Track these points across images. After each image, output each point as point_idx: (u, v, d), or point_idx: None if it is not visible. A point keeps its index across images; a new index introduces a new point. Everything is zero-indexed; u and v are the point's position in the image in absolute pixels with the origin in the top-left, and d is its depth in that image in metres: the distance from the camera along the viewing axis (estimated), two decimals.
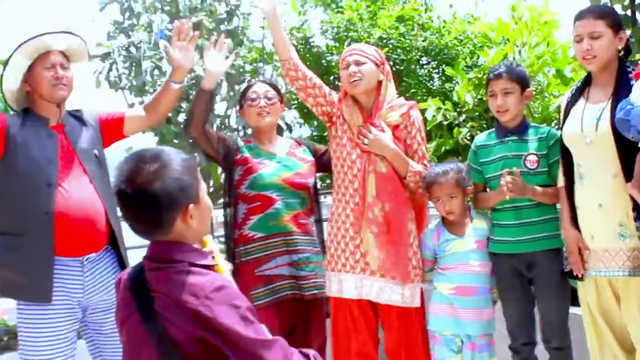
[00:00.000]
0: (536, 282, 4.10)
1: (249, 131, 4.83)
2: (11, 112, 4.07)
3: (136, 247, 4.67)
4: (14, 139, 3.79)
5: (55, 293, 3.76)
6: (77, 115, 4.06)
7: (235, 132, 6.53)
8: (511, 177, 3.91)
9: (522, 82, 4.12)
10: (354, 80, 4.12)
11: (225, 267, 2.84)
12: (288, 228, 4.28)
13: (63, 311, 3.80)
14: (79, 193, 3.82)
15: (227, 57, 4.41)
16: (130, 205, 2.38)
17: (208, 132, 4.39)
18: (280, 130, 6.58)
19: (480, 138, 4.30)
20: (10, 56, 3.88)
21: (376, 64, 4.20)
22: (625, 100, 3.48)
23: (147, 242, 2.52)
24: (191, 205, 2.40)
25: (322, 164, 4.61)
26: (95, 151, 4.01)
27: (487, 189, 4.27)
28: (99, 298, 3.90)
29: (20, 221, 3.78)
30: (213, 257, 2.83)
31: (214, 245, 2.89)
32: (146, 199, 2.33)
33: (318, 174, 5.58)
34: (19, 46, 3.86)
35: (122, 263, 4.02)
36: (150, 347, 2.33)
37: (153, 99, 4.24)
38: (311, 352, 2.44)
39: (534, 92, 4.69)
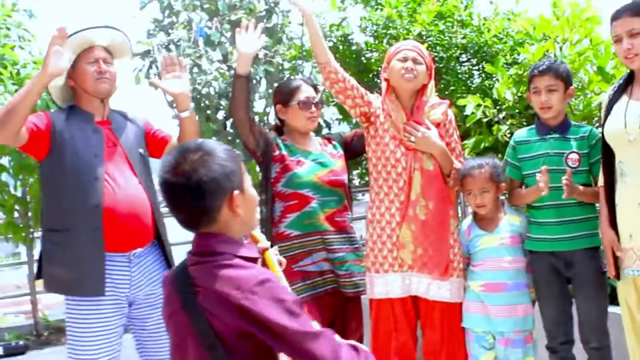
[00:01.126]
0: (575, 281, 4.09)
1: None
2: (53, 109, 4.09)
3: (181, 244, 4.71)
4: (60, 135, 3.85)
5: (105, 288, 3.82)
6: (123, 114, 4.13)
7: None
8: (563, 177, 3.90)
9: (566, 79, 4.11)
10: (409, 76, 4.16)
11: (276, 262, 2.86)
12: (323, 227, 4.31)
13: (111, 306, 3.87)
14: (126, 187, 3.89)
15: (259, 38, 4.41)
16: (175, 194, 2.39)
17: (252, 119, 4.43)
18: (319, 128, 6.57)
19: (521, 134, 4.29)
20: None
21: (427, 67, 4.23)
22: None
23: (189, 239, 2.55)
24: (236, 192, 2.40)
25: (353, 148, 4.64)
26: (141, 150, 4.06)
27: (523, 186, 4.27)
28: (145, 293, 3.97)
29: (68, 217, 3.85)
30: (264, 253, 2.85)
31: (266, 242, 2.91)
32: (191, 186, 2.33)
33: (356, 172, 5.57)
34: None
35: (167, 259, 4.08)
36: (195, 342, 2.33)
37: (178, 135, 4.21)
38: (360, 346, 2.43)
39: (575, 90, 4.66)
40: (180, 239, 4.75)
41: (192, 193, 2.35)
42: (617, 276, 3.85)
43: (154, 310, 3.99)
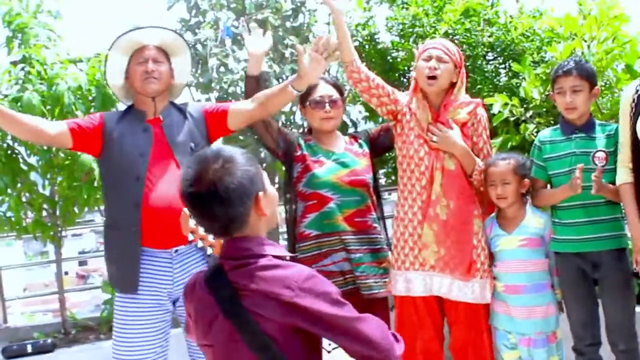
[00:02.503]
0: (602, 283, 4.07)
1: None
2: (86, 108, 4.23)
3: None
4: (110, 135, 4.02)
5: (144, 283, 3.97)
6: (181, 108, 4.21)
7: (300, 129, 6.55)
8: (593, 174, 3.88)
9: (591, 79, 4.09)
10: (431, 77, 4.13)
11: None
12: (341, 227, 4.33)
13: (150, 301, 3.99)
14: (168, 185, 3.95)
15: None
16: (204, 205, 2.41)
17: (267, 121, 4.41)
18: (345, 127, 6.56)
19: (545, 133, 4.28)
20: (107, 54, 4.12)
21: (455, 65, 4.20)
22: None
23: None
24: (260, 194, 2.45)
25: (380, 144, 4.62)
26: (192, 144, 4.09)
27: (549, 186, 4.25)
28: None
29: (114, 214, 4.06)
30: None
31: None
32: (220, 195, 2.37)
33: (382, 171, 5.55)
34: (112, 44, 4.08)
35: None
36: (242, 346, 2.36)
37: (266, 94, 4.19)
38: (399, 336, 2.48)
39: (600, 90, 4.64)
40: None
41: (221, 202, 2.39)
42: None
43: None
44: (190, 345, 4.17)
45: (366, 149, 4.63)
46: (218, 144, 4.26)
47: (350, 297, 4.34)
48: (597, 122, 4.25)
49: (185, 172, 2.46)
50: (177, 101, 4.41)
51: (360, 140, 4.68)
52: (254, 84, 4.33)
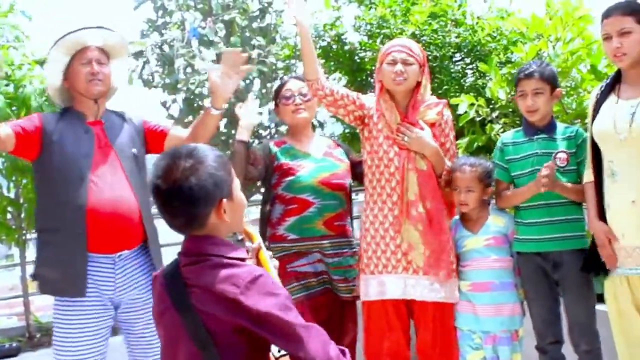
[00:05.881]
0: (562, 283, 4.11)
1: (281, 129, 4.81)
2: (52, 111, 4.10)
3: (172, 245, 4.71)
4: (49, 136, 3.86)
5: (88, 288, 3.79)
6: (119, 114, 4.11)
7: (267, 130, 6.54)
8: (542, 172, 3.92)
9: (552, 82, 4.13)
10: (399, 80, 4.13)
11: (270, 262, 2.85)
12: (321, 232, 4.34)
13: (94, 307, 3.83)
14: (113, 188, 3.85)
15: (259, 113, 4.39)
16: (166, 201, 2.42)
17: (251, 175, 4.42)
18: (312, 128, 6.57)
19: (508, 135, 4.33)
20: (49, 53, 3.95)
21: (420, 64, 4.19)
22: None
23: (182, 239, 2.58)
24: (225, 200, 2.45)
25: (355, 174, 4.61)
26: (134, 150, 4.03)
27: (511, 187, 4.28)
28: (130, 296, 3.92)
29: (55, 217, 3.85)
30: (258, 252, 2.86)
31: (260, 240, 2.90)
32: (182, 194, 2.38)
33: None
34: (56, 42, 3.92)
35: (155, 262, 4.02)
36: (187, 340, 2.38)
37: (193, 126, 4.19)
38: (347, 351, 2.48)
39: (563, 92, 4.67)
40: (173, 240, 4.74)
41: (182, 201, 2.40)
42: (599, 272, 3.88)
43: (141, 315, 3.97)
44: (131, 350, 4.10)
45: (345, 159, 4.61)
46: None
47: (322, 297, 4.37)
48: (559, 123, 4.29)
49: (157, 164, 2.46)
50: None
51: (342, 149, 4.68)
52: (244, 148, 4.35)
